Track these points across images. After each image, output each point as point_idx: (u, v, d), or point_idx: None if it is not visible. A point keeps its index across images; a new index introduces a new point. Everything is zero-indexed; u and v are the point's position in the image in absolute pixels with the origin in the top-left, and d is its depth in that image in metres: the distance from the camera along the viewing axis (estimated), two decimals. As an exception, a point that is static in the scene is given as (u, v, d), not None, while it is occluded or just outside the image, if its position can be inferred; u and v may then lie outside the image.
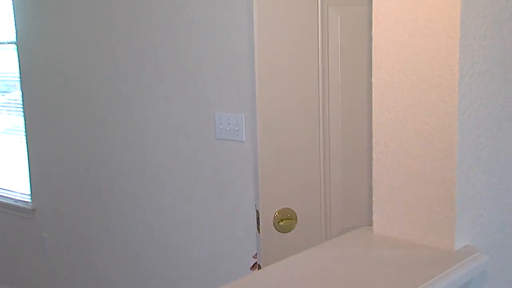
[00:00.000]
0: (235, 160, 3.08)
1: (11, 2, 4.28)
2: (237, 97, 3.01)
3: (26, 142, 4.48)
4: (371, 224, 1.24)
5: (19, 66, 4.38)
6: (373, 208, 1.22)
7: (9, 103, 5.05)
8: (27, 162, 4.50)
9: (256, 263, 1.82)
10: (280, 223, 1.67)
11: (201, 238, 3.30)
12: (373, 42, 1.19)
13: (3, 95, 5.17)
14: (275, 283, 1.12)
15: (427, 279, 1.04)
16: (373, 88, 1.20)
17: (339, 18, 1.62)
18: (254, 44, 1.58)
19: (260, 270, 1.37)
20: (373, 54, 1.19)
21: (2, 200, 4.79)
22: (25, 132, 4.47)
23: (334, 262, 1.19)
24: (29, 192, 4.54)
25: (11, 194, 4.77)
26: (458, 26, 1.08)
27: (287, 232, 1.67)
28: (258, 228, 1.69)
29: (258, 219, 1.69)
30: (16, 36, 4.35)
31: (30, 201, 4.53)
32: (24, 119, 4.46)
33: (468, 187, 1.15)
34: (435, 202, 1.14)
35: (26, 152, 4.49)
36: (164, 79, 3.37)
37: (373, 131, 1.21)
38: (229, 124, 3.07)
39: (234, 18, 3.01)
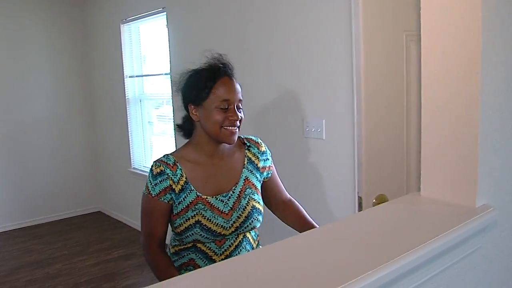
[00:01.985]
0: (317, 152, 3.16)
1: (168, 48, 4.51)
2: (319, 108, 3.09)
3: (175, 142, 4.62)
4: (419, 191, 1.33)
5: (172, 90, 4.58)
6: (421, 179, 1.30)
7: (161, 115, 5.32)
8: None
9: None
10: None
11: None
12: (422, 77, 1.26)
13: (156, 109, 5.44)
14: (352, 223, 1.23)
15: (458, 223, 1.13)
16: (422, 100, 1.27)
17: (415, 48, 1.64)
18: (360, 71, 1.55)
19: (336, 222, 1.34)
20: (422, 82, 1.27)
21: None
22: (174, 135, 4.66)
23: (387, 214, 1.28)
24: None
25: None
26: (479, 65, 1.15)
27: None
28: (360, 210, 1.64)
29: (360, 203, 1.65)
30: (170, 69, 4.55)
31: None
32: (174, 126, 4.64)
33: (486, 165, 1.22)
34: (463, 174, 1.22)
35: (175, 149, 4.69)
36: (273, 100, 3.49)
37: (422, 126, 1.28)
38: (313, 127, 3.15)
39: (335, 52, 3.06)
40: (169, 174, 1.67)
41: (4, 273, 4.34)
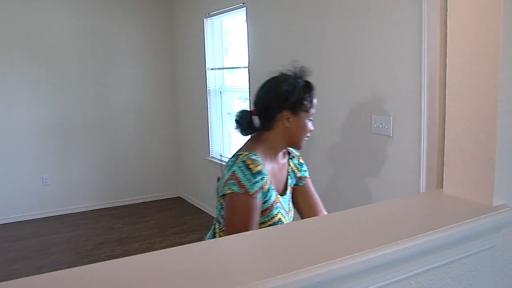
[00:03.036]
0: (383, 149, 3.21)
1: (247, 43, 4.71)
2: (387, 105, 3.14)
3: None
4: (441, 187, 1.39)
5: (249, 83, 4.79)
6: (444, 177, 1.37)
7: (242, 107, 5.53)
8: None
9: None
10: None
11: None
12: (447, 84, 1.33)
13: (244, 101, 5.65)
14: (366, 214, 1.32)
15: (471, 217, 1.19)
16: (446, 101, 1.33)
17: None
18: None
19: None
20: (447, 90, 1.33)
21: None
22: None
23: (406, 207, 1.36)
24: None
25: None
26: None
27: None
28: None
29: None
30: (248, 62, 4.75)
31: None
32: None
33: (504, 167, 1.27)
34: (482, 175, 1.27)
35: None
36: (342, 96, 3.57)
37: (446, 127, 1.35)
38: (381, 123, 3.20)
39: (403, 49, 3.11)
40: (264, 173, 1.72)
41: (89, 247, 4.78)
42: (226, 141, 5.69)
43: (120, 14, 6.11)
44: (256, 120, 1.90)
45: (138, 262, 1.04)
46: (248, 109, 1.92)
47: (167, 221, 5.65)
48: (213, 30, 5.53)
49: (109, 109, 6.15)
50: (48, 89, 5.75)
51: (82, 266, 1.02)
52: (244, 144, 1.89)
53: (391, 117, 3.10)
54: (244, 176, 1.68)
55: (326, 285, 0.97)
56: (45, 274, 0.97)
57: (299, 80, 1.87)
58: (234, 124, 1.91)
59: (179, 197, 6.68)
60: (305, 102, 1.84)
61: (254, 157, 1.73)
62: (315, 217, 1.57)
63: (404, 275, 1.11)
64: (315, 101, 1.88)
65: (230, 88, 5.59)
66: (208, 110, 5.72)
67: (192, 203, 6.34)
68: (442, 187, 1.42)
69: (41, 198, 5.83)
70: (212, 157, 5.77)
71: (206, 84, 5.67)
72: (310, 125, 1.87)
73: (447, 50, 1.31)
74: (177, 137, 6.66)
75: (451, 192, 1.36)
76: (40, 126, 5.75)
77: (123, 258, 1.06)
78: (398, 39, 3.00)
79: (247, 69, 4.79)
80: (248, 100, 4.82)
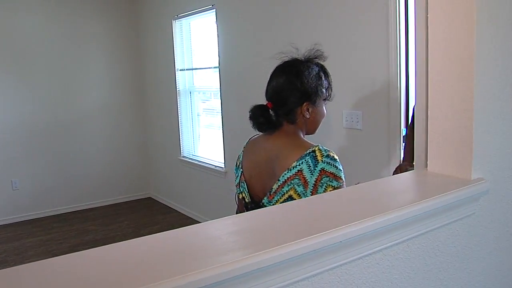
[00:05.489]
0: (355, 141, 3.46)
1: (216, 43, 4.88)
2: (357, 101, 3.38)
3: (222, 133, 5.05)
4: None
5: (220, 83, 4.96)
6: (428, 157, 1.60)
7: (208, 108, 5.70)
8: (222, 144, 5.07)
9: None
10: None
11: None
12: (429, 75, 1.55)
13: (204, 102, 5.84)
14: (361, 191, 1.53)
15: (453, 189, 1.41)
16: (428, 95, 1.56)
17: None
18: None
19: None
20: (429, 79, 1.56)
21: (208, 166, 5.43)
22: (222, 126, 5.05)
23: (395, 183, 1.58)
24: (223, 161, 5.13)
25: (213, 163, 5.38)
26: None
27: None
28: None
29: None
30: (219, 63, 4.91)
31: (223, 167, 5.11)
32: (222, 117, 5.04)
33: (480, 145, 1.49)
34: (461, 153, 1.50)
35: (222, 139, 5.07)
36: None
37: (429, 114, 1.58)
38: (351, 118, 3.45)
39: (372, 47, 3.35)
40: None
41: (65, 249, 4.85)
42: (197, 140, 5.85)
43: (88, 16, 6.16)
44: (272, 114, 1.82)
45: (144, 241, 1.13)
46: (264, 104, 1.83)
47: (141, 221, 5.76)
48: (181, 32, 5.67)
49: (78, 112, 6.20)
50: (15, 93, 5.76)
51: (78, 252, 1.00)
52: (276, 140, 1.83)
53: (361, 112, 3.34)
54: (337, 169, 1.72)
55: (347, 246, 1.16)
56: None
57: (314, 67, 1.80)
58: (250, 122, 1.82)
59: (149, 197, 6.78)
60: (323, 90, 1.81)
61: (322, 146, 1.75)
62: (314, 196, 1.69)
63: (403, 238, 1.32)
64: (331, 85, 1.86)
65: (199, 88, 5.75)
66: (178, 110, 5.85)
67: (164, 202, 6.46)
68: (426, 167, 1.64)
69: (11, 203, 5.83)
70: (184, 156, 5.91)
71: (176, 84, 5.81)
72: (325, 109, 1.86)
73: (428, 46, 1.54)
74: (146, 138, 6.77)
75: (435, 170, 1.59)
76: (8, 130, 5.75)
77: (120, 242, 1.05)
78: (367, 39, 3.25)
79: (217, 69, 4.96)
80: (220, 100, 4.99)
